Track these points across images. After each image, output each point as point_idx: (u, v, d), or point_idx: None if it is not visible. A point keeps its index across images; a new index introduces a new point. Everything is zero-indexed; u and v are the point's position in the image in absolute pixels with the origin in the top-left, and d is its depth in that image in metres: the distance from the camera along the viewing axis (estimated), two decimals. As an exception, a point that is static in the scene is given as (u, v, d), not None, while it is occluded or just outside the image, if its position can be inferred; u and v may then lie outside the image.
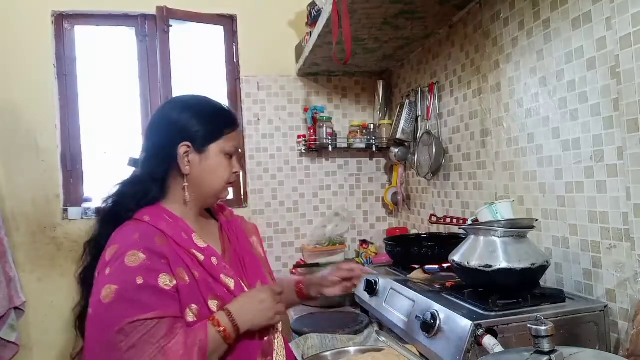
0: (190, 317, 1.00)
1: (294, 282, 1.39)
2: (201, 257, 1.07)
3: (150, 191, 1.12)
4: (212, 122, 1.14)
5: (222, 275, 1.08)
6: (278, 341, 1.13)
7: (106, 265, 1.00)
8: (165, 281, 0.99)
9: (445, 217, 1.85)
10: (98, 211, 1.17)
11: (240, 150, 1.18)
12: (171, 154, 1.10)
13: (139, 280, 0.97)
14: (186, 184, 1.12)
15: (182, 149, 1.10)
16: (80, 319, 1.11)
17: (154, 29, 2.41)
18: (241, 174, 2.46)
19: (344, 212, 2.58)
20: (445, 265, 1.51)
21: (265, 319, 1.07)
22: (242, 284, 1.11)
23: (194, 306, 1.01)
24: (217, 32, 2.57)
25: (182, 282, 1.01)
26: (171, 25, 2.29)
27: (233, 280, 1.09)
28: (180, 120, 1.12)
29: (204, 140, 1.11)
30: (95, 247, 1.11)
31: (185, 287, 1.01)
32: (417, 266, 1.56)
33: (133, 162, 1.19)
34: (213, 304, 1.03)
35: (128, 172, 1.22)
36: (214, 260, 1.09)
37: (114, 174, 2.45)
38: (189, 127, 1.11)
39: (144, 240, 1.02)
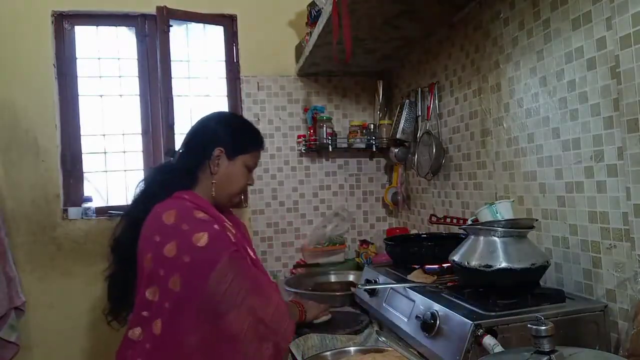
0: None
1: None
2: (233, 231, 1.32)
3: (182, 180, 1.34)
4: (245, 138, 1.41)
5: (246, 246, 1.36)
6: None
7: (178, 223, 1.20)
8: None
9: (445, 217, 1.85)
10: (135, 191, 1.40)
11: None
12: (207, 153, 1.35)
13: (217, 227, 1.24)
14: (214, 181, 1.36)
15: (216, 151, 1.35)
16: (111, 279, 1.33)
17: (154, 29, 2.41)
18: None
19: (344, 212, 2.58)
20: (445, 265, 1.51)
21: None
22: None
23: None
24: (217, 32, 2.57)
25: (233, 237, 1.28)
26: (171, 25, 2.29)
27: (252, 253, 1.38)
28: (221, 130, 1.38)
29: (235, 150, 1.37)
30: (130, 218, 1.31)
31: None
32: (417, 266, 1.56)
33: (171, 153, 1.44)
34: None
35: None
36: (239, 235, 1.36)
37: (113, 174, 2.47)
38: (226, 137, 1.37)
39: (197, 205, 1.27)
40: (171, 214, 1.22)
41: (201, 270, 1.16)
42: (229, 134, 1.38)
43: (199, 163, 1.36)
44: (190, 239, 1.18)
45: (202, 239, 1.18)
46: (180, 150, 1.40)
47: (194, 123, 1.47)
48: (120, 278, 1.30)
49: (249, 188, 2.49)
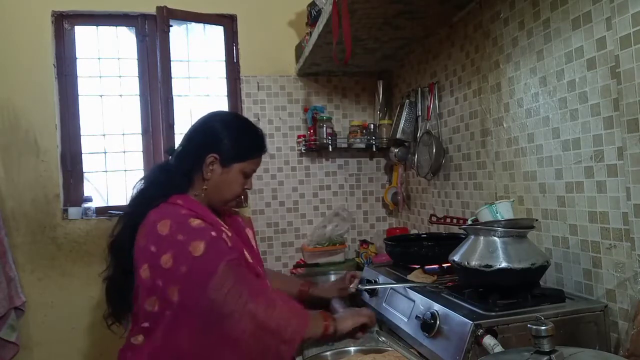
0: None
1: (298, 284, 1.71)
2: (229, 234, 1.28)
3: (178, 183, 1.30)
4: (243, 145, 1.33)
5: (244, 249, 1.31)
6: None
7: (173, 234, 1.17)
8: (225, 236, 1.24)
9: (445, 217, 1.85)
10: (133, 190, 1.35)
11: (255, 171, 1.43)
12: (200, 157, 1.29)
13: (214, 234, 1.19)
14: (205, 187, 1.31)
15: (209, 158, 1.29)
16: (110, 282, 1.30)
17: (154, 29, 2.41)
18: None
19: (344, 212, 2.58)
20: (445, 265, 1.51)
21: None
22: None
23: None
24: (217, 32, 2.57)
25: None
26: (171, 26, 2.29)
27: (250, 256, 1.33)
28: (218, 134, 1.31)
29: (231, 158, 1.31)
30: (129, 220, 1.27)
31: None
32: (417, 266, 1.56)
33: (170, 151, 1.38)
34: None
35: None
36: (235, 239, 1.31)
37: (113, 174, 2.47)
38: (222, 143, 1.30)
39: (192, 212, 1.23)
40: (166, 224, 1.18)
41: (199, 279, 1.13)
42: (227, 139, 1.31)
43: (193, 166, 1.31)
44: (187, 249, 1.15)
45: (199, 248, 1.14)
46: (179, 149, 1.36)
47: (195, 122, 1.41)
48: (118, 281, 1.27)
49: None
